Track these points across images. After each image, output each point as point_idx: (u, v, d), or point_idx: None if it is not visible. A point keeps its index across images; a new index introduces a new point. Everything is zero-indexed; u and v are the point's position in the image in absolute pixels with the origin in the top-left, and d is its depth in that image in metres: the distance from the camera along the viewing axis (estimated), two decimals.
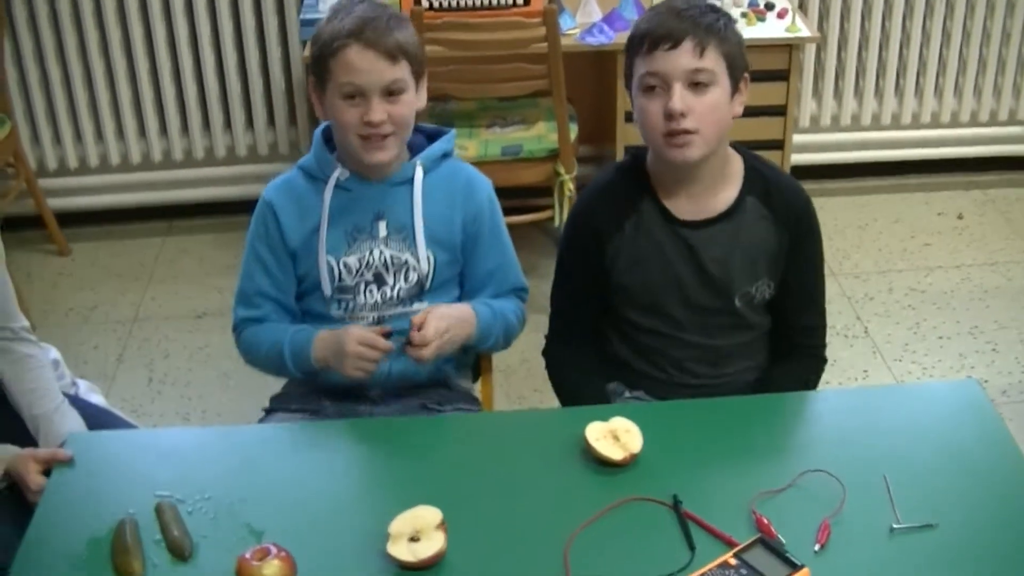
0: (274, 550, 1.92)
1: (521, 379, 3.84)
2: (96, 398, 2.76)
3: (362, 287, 2.53)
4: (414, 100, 2.46)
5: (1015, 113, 4.97)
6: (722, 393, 2.48)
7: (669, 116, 2.32)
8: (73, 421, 2.53)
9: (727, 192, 2.47)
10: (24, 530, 2.05)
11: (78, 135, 4.69)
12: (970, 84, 4.89)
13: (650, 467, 2.13)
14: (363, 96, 2.39)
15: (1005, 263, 4.56)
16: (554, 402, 2.65)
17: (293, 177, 2.57)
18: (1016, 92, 4.93)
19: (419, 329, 2.41)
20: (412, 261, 2.52)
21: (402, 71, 2.41)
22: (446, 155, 2.59)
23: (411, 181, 2.52)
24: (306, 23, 4.06)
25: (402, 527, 1.95)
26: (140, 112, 4.67)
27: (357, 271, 2.52)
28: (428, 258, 2.52)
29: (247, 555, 1.91)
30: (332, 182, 2.50)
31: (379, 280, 2.53)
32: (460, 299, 2.62)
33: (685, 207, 2.45)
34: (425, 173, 2.53)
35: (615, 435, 2.15)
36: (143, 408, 3.84)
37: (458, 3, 4.09)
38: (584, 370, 2.60)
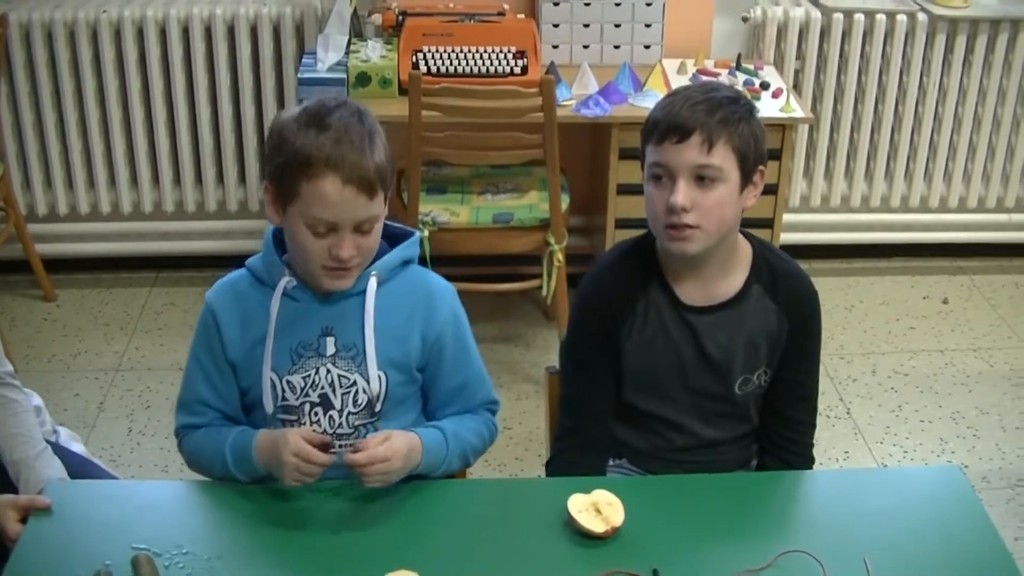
0: None
1: (502, 447, 3.82)
2: (77, 447, 2.75)
3: (307, 408, 2.34)
4: (382, 225, 2.30)
5: (1003, 200, 5.01)
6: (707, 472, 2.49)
7: (671, 210, 2.30)
8: (54, 468, 2.52)
9: (734, 279, 2.45)
10: None
11: (70, 182, 4.69)
12: (959, 170, 4.94)
13: (631, 541, 2.13)
14: (332, 230, 2.19)
15: (988, 349, 4.58)
16: (534, 471, 2.63)
17: (240, 279, 2.38)
18: (1004, 179, 4.98)
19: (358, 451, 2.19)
20: (361, 382, 2.32)
21: (378, 205, 2.22)
22: (407, 262, 2.39)
23: (364, 293, 2.32)
24: (303, 82, 4.07)
25: None
26: (133, 162, 4.67)
27: (302, 390, 2.33)
28: (379, 378, 2.32)
29: None
30: (279, 291, 2.30)
31: (325, 402, 2.33)
32: (420, 419, 2.46)
33: (691, 292, 2.44)
34: (381, 284, 2.33)
35: (597, 508, 2.15)
36: (122, 458, 3.82)
37: (456, 70, 4.12)
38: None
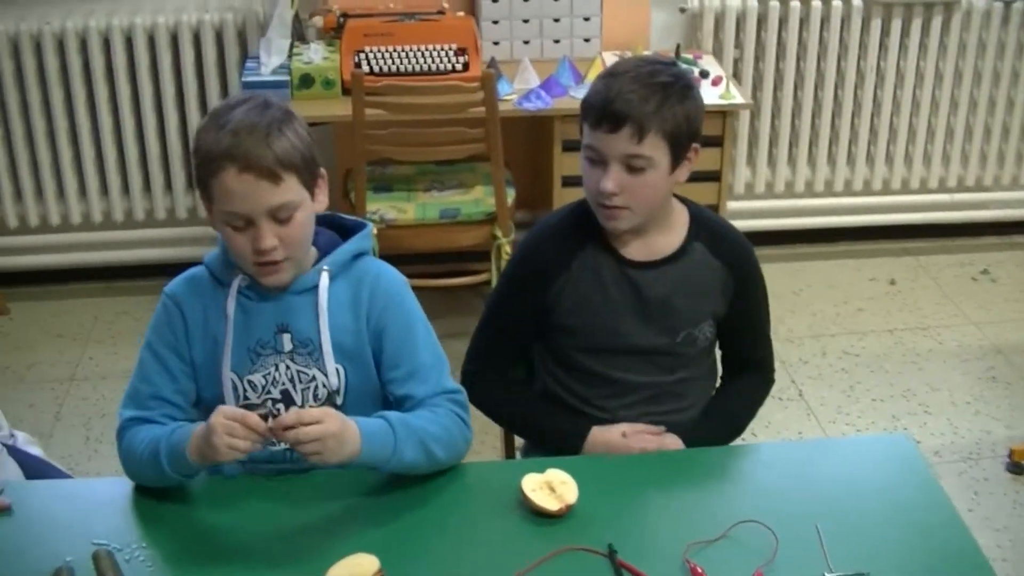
0: None
1: None
2: (35, 450, 2.76)
3: (269, 404, 2.31)
4: (310, 212, 2.25)
5: (944, 181, 5.08)
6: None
7: (601, 193, 2.38)
8: (9, 470, 2.52)
9: (673, 236, 2.52)
10: None
11: (18, 194, 4.68)
12: (901, 152, 5.00)
13: (586, 518, 2.15)
14: (249, 222, 2.17)
15: (936, 327, 4.64)
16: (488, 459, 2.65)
17: (199, 275, 2.35)
18: (946, 160, 5.05)
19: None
20: (320, 377, 2.30)
21: (289, 191, 2.17)
22: (359, 255, 2.36)
23: (316, 289, 2.29)
24: (247, 85, 4.09)
25: (340, 574, 1.96)
26: (81, 173, 4.67)
27: (263, 388, 2.32)
28: (337, 372, 2.30)
29: None
30: (233, 291, 2.29)
31: (286, 398, 2.31)
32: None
33: (633, 249, 2.50)
34: (333, 278, 2.30)
35: (551, 486, 2.17)
36: (80, 466, 3.81)
37: (398, 69, 4.14)
38: (515, 391, 2.67)
